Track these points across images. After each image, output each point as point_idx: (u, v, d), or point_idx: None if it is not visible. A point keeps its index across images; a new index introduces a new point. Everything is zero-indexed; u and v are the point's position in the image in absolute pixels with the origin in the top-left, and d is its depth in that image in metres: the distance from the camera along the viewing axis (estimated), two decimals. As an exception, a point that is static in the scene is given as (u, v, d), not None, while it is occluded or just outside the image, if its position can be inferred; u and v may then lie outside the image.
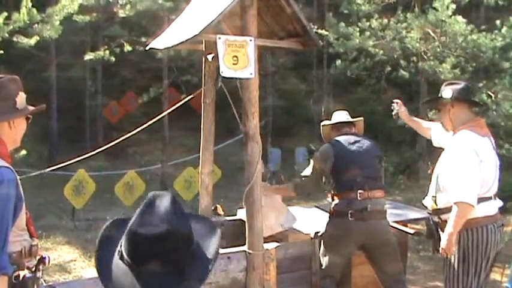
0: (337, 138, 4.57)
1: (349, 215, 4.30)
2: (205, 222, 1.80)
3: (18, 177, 2.68)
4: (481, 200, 3.74)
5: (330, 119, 4.78)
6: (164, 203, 1.63)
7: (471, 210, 3.68)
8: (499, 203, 3.91)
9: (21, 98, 2.83)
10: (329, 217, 4.53)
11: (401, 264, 4.55)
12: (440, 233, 3.86)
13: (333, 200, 4.52)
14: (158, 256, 1.57)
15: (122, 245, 1.63)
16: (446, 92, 3.91)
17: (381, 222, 4.37)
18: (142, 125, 4.85)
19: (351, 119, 4.71)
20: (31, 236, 2.82)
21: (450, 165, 3.81)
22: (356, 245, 4.44)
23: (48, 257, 2.85)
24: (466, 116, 3.89)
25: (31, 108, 2.90)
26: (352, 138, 4.53)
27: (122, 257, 1.63)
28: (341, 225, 4.38)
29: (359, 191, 4.29)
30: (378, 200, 4.35)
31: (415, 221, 5.38)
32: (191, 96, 5.07)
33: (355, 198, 4.30)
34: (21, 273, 2.56)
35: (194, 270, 1.64)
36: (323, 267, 4.51)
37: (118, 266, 1.63)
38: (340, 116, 4.72)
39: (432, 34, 9.80)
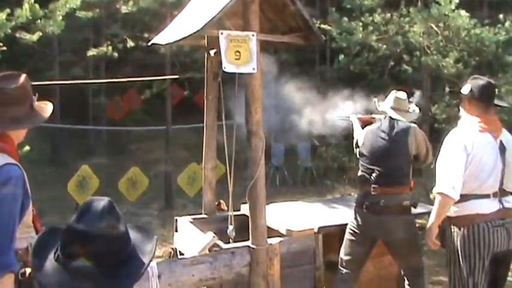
0: (373, 126, 4.59)
1: (364, 207, 4.32)
2: (142, 231, 1.87)
3: (25, 174, 2.69)
4: (472, 196, 3.72)
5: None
6: (101, 206, 1.69)
7: (450, 201, 3.70)
8: (498, 202, 3.77)
9: (35, 97, 2.84)
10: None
11: (421, 258, 4.50)
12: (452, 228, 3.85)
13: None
14: (92, 254, 1.62)
15: (59, 245, 1.68)
16: (466, 87, 3.92)
17: (397, 217, 4.27)
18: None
19: (401, 108, 4.53)
20: (37, 233, 2.83)
21: (439, 157, 3.83)
22: (371, 239, 4.42)
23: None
24: (479, 111, 3.85)
25: (44, 107, 2.90)
26: (384, 132, 4.41)
27: (57, 258, 1.67)
28: (357, 217, 4.41)
29: (373, 185, 4.28)
30: (394, 195, 4.26)
31: (418, 215, 5.37)
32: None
33: (369, 192, 4.30)
34: (28, 270, 2.57)
35: (127, 272, 1.69)
36: (340, 256, 4.52)
37: (53, 266, 1.68)
38: (394, 101, 4.55)
39: (435, 28, 9.78)
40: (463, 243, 3.72)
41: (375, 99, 4.73)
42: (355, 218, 4.44)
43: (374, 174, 4.31)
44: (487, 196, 3.75)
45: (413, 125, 4.46)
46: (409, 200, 4.34)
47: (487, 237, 3.67)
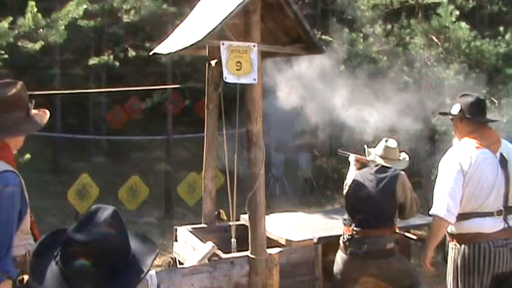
0: (363, 169, 4.54)
1: (348, 252, 4.28)
2: (146, 241, 1.87)
3: (23, 181, 2.70)
4: (474, 215, 3.60)
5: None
6: (105, 214, 1.70)
7: (445, 223, 3.62)
8: (502, 220, 3.62)
9: (31, 105, 2.86)
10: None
11: (413, 277, 4.46)
12: (449, 243, 3.78)
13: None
14: (90, 261, 1.63)
15: (59, 251, 1.70)
16: (455, 107, 3.83)
17: (381, 261, 4.24)
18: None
19: (392, 157, 4.49)
20: (35, 240, 2.83)
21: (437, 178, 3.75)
22: (356, 280, 4.39)
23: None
24: (473, 128, 3.76)
25: (40, 114, 2.91)
26: (372, 175, 4.40)
27: (56, 262, 1.69)
28: (341, 260, 4.36)
29: (356, 228, 4.24)
30: (377, 238, 4.22)
31: (418, 226, 5.38)
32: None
33: (352, 235, 4.26)
34: (26, 277, 2.57)
35: (125, 279, 1.70)
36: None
37: (52, 270, 1.69)
38: (384, 150, 4.50)
39: (435, 40, 9.81)
40: (463, 261, 3.61)
41: (365, 146, 4.71)
42: (337, 261, 4.39)
43: (358, 217, 4.27)
44: (490, 214, 3.62)
45: (402, 172, 4.43)
46: (393, 242, 4.29)
47: (487, 257, 3.55)
